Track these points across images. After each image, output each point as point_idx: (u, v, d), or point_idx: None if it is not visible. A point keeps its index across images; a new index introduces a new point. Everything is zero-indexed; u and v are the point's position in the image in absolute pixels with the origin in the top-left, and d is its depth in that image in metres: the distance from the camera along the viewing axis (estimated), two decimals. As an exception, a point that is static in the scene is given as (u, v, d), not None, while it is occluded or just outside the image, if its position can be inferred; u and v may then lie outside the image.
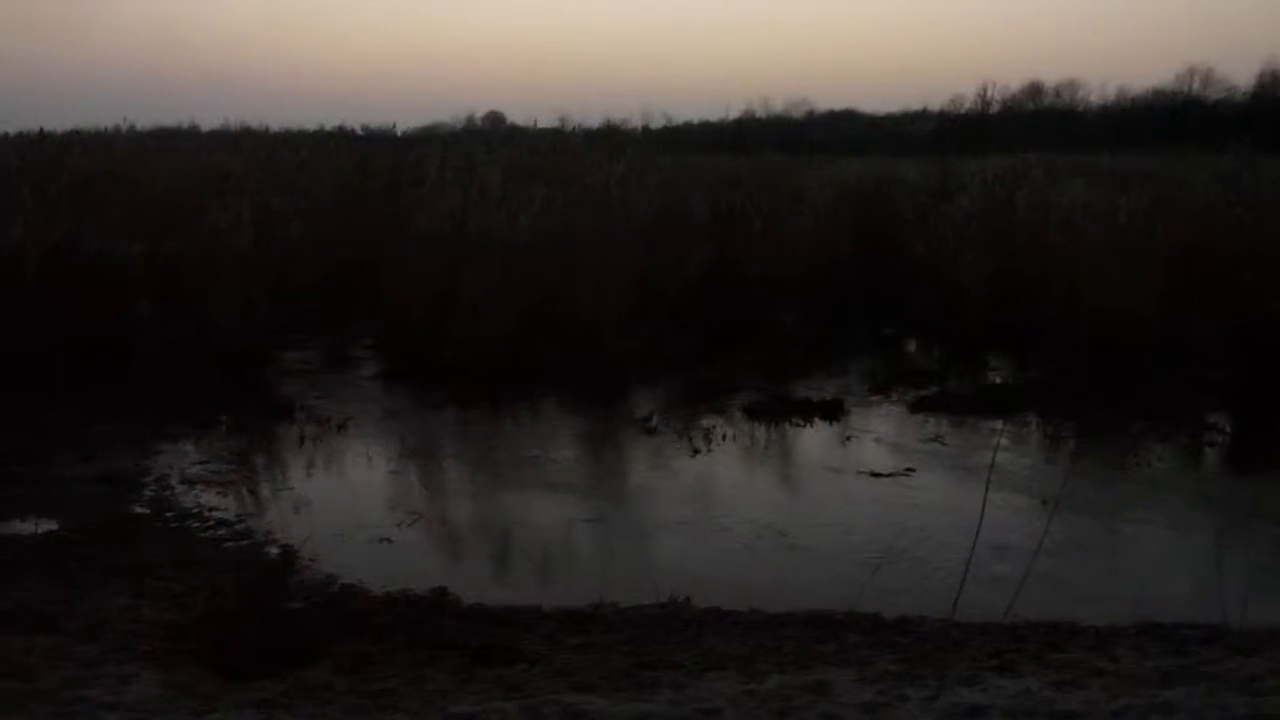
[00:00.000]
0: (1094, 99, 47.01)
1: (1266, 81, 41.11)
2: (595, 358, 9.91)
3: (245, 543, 6.25)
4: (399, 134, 28.14)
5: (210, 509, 6.84)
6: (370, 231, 12.30)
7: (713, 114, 58.80)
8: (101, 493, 7.10)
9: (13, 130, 23.14)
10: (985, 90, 48.66)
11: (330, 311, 11.83)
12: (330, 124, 27.42)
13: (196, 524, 6.57)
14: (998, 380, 10.87)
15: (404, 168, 14.91)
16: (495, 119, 50.81)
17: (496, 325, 10.02)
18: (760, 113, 53.57)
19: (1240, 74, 52.56)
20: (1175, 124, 35.93)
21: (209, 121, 27.98)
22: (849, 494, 7.19)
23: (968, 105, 48.39)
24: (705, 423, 8.92)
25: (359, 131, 26.62)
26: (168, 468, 7.74)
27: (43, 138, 21.14)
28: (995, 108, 48.09)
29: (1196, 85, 43.83)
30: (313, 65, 77.09)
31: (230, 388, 9.43)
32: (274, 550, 6.09)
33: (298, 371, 10.67)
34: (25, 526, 6.39)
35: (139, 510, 6.82)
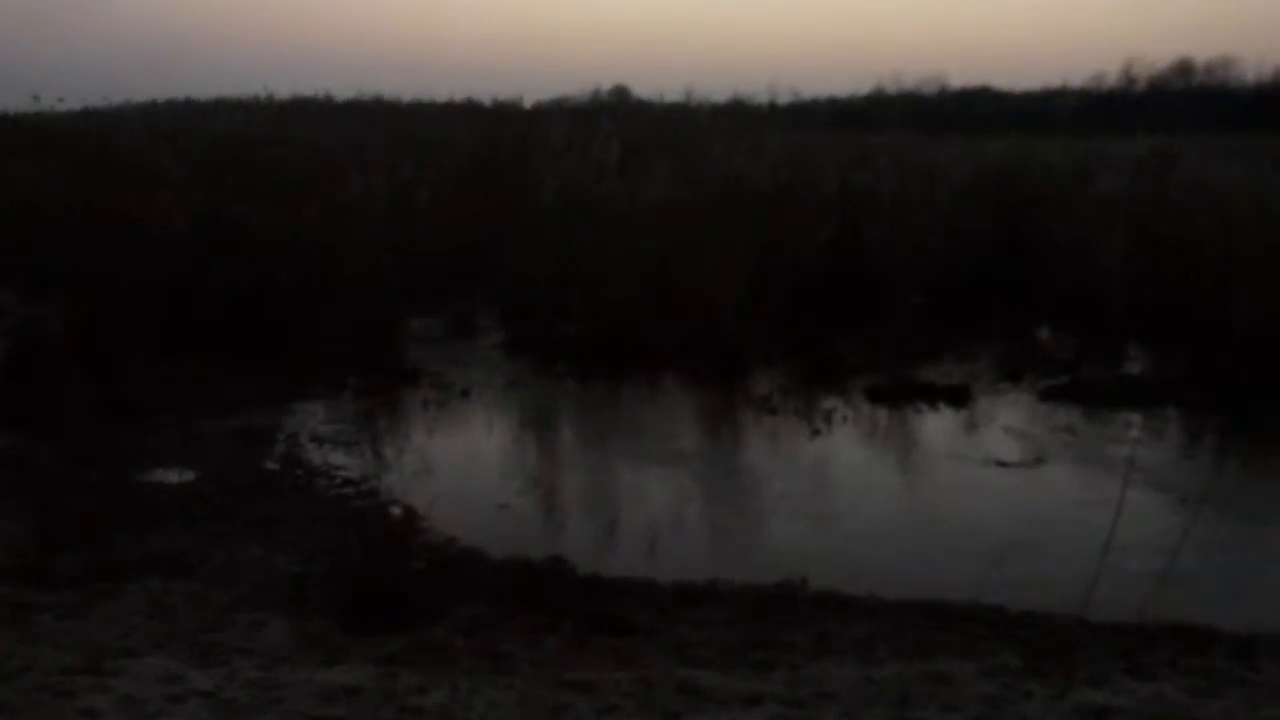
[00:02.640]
0: (1249, 77, 44.45)
1: None
2: (716, 334, 9.87)
3: (370, 502, 6.44)
4: (526, 106, 28.38)
5: (337, 468, 7.07)
6: (497, 202, 12.48)
7: (841, 89, 57.70)
8: (237, 447, 7.42)
9: (161, 98, 24.26)
10: (1130, 67, 46.52)
11: (457, 280, 12.06)
12: (459, 96, 27.80)
13: (324, 481, 6.80)
14: (1136, 371, 10.41)
15: (530, 139, 15.06)
16: (621, 93, 50.99)
17: (618, 298, 10.06)
18: (891, 89, 52.39)
19: None
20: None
21: (343, 91, 28.64)
22: (973, 483, 6.99)
23: (1111, 83, 46.32)
24: (826, 404, 8.79)
25: (487, 104, 26.93)
26: (299, 426, 8.03)
27: (189, 105, 22.07)
28: (1141, 86, 45.91)
29: (1369, 63, 40.89)
30: (441, 36, 78.43)
31: (359, 351, 9.71)
32: (397, 511, 6.26)
33: (424, 338, 10.92)
34: (168, 476, 6.73)
35: (271, 466, 7.10)
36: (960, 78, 58.52)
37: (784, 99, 47.03)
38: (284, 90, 27.90)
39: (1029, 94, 45.78)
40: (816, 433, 8.11)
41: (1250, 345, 9.14)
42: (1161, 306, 10.56)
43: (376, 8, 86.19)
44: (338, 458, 7.31)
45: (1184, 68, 45.60)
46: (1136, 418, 8.54)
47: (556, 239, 10.84)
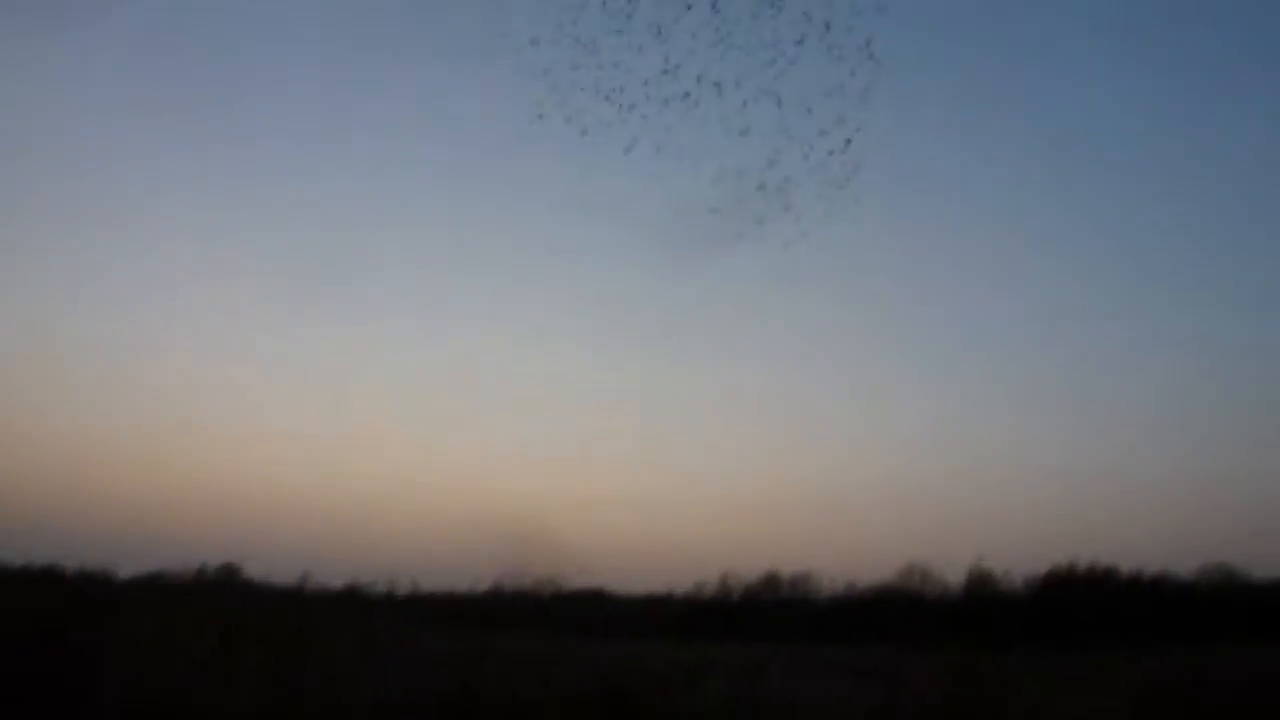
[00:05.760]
0: (825, 592, 50.28)
1: (976, 581, 45.50)
2: None
3: None
4: (119, 579, 26.20)
5: None
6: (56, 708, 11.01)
7: (462, 583, 58.79)
8: None
9: None
10: (726, 578, 51.23)
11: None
12: (40, 561, 25.31)
13: None
14: None
15: (112, 621, 13.81)
16: (229, 571, 48.51)
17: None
18: (509, 586, 53.98)
19: (954, 572, 57.46)
20: (899, 617, 38.71)
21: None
22: None
23: (711, 591, 50.57)
24: None
25: (70, 572, 24.63)
26: None
27: None
28: (737, 595, 50.51)
29: (917, 581, 47.84)
30: (23, 497, 72.17)
31: None
32: None
33: None
34: None
35: None
36: (577, 579, 61.64)
37: (403, 589, 46.96)
38: None
39: (638, 598, 49.04)
40: None
41: None
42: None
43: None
44: None
45: (772, 580, 50.98)
46: None
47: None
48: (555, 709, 12.60)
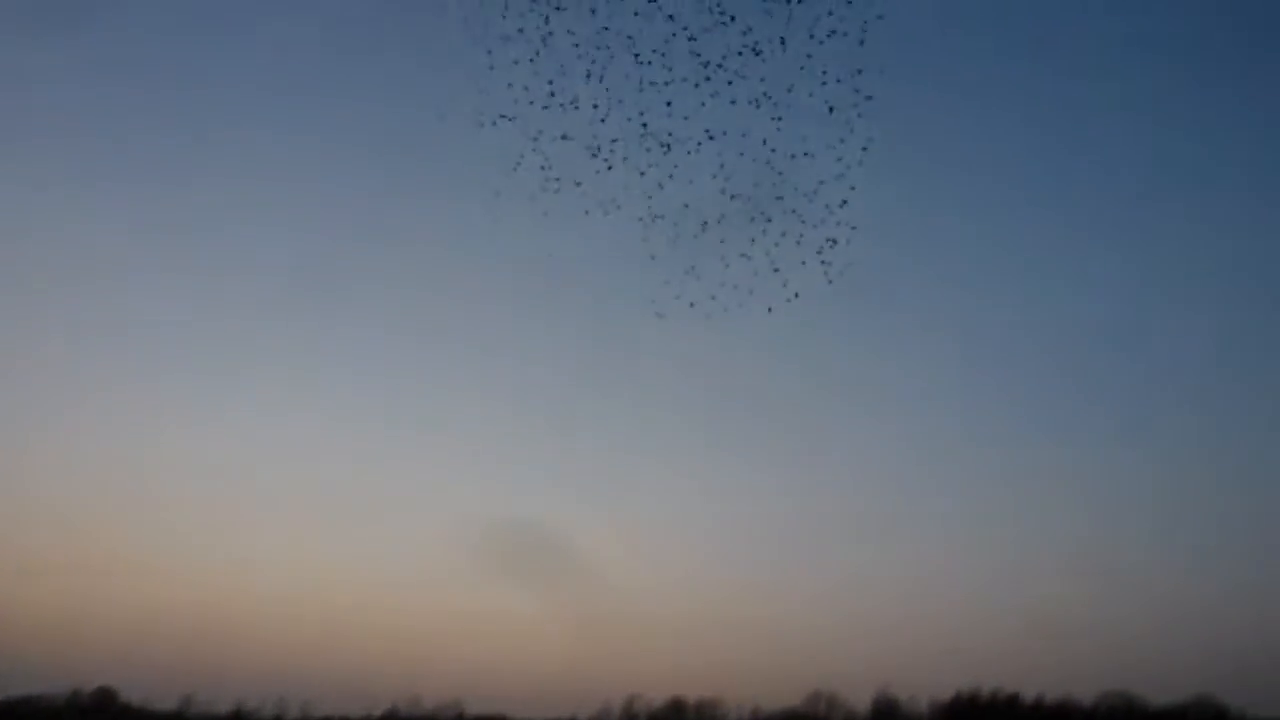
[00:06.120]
0: (732, 717, 49.30)
1: (882, 707, 45.28)
2: None
3: None
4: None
5: None
6: None
7: (357, 708, 55.72)
8: None
9: None
10: (631, 703, 49.87)
11: None
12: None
13: None
14: None
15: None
16: (105, 695, 45.03)
17: None
18: (405, 710, 51.48)
19: (859, 698, 56.82)
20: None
21: None
22: None
23: (616, 716, 49.01)
24: None
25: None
26: None
27: None
28: (641, 721, 49.12)
29: (823, 707, 47.32)
30: None
31: None
32: None
33: None
34: None
35: None
36: (477, 704, 59.28)
37: (293, 713, 44.21)
38: None
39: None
40: None
41: None
42: None
43: None
44: None
45: (677, 707, 49.72)
46: None
47: None
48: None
